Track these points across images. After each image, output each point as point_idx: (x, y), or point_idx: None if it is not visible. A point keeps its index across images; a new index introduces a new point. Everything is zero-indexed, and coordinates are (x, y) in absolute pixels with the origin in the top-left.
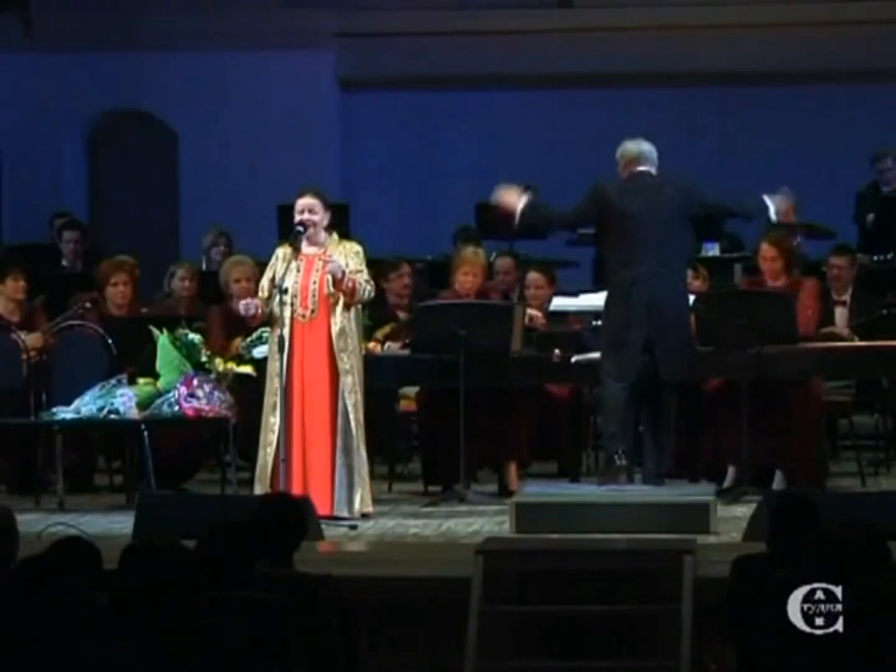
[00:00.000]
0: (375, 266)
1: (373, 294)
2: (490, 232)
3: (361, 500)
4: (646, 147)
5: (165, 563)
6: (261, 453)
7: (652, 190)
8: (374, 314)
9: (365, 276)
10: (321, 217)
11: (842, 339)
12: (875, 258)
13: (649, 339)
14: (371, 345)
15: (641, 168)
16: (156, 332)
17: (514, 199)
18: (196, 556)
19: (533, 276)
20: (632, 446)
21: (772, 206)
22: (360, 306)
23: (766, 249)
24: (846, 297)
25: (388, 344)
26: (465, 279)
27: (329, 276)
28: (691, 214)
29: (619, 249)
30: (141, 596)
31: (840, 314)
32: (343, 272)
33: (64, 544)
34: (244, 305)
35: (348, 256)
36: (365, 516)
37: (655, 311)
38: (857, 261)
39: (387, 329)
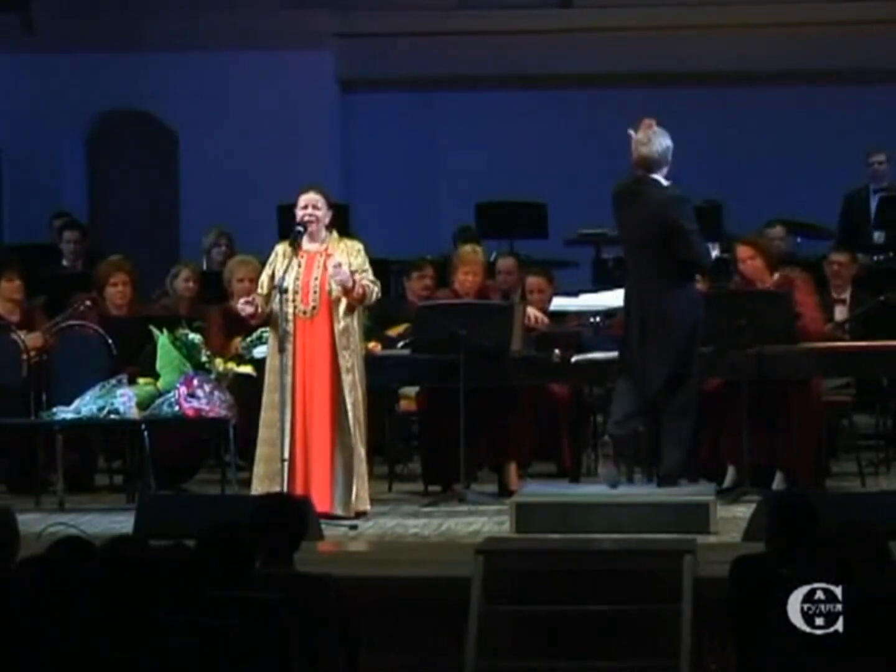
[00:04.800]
0: (392, 265)
1: (380, 294)
2: (490, 231)
3: (358, 498)
4: (655, 149)
5: (166, 563)
6: (260, 450)
7: (640, 198)
8: (391, 312)
9: (370, 275)
10: (324, 213)
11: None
12: (875, 258)
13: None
14: (371, 344)
15: (645, 174)
16: (156, 332)
17: None
18: (196, 556)
19: (533, 280)
20: (633, 447)
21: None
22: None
23: (743, 250)
24: (846, 296)
25: (400, 343)
26: (466, 279)
27: (336, 284)
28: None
29: (624, 259)
30: (140, 596)
31: (839, 312)
32: (353, 282)
33: (63, 544)
34: (243, 304)
35: (350, 255)
36: (361, 514)
37: (645, 327)
38: (857, 260)
39: (400, 328)
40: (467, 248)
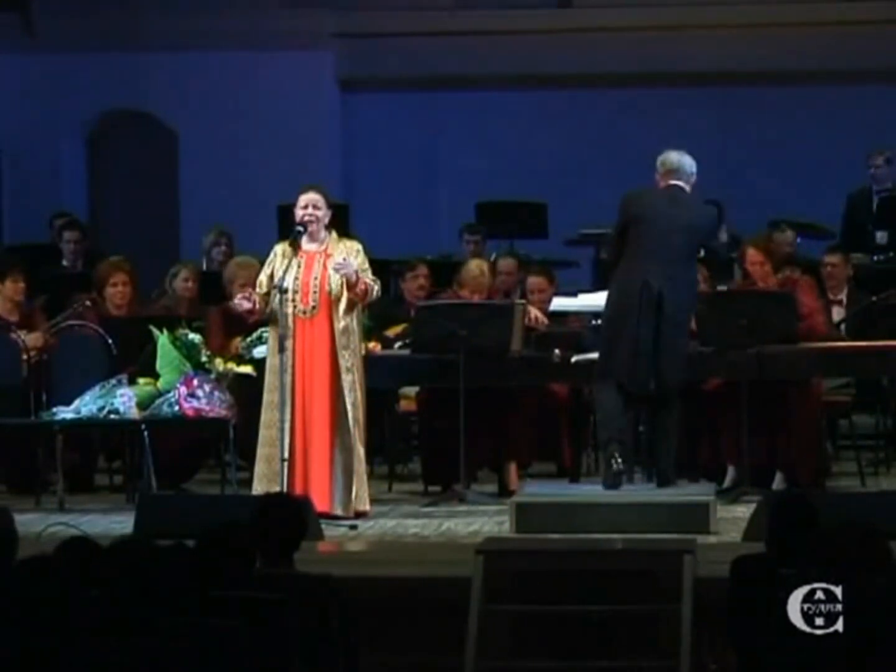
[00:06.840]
0: (392, 265)
1: (380, 293)
2: (490, 231)
3: (358, 498)
4: (686, 162)
5: (166, 563)
6: (260, 450)
7: (683, 205)
8: (389, 312)
9: (370, 274)
10: (324, 213)
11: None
12: (875, 258)
13: (654, 341)
14: (371, 344)
15: (676, 182)
16: (156, 332)
17: None
18: (196, 556)
19: (534, 280)
20: (632, 446)
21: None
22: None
23: (753, 254)
24: (842, 297)
25: (398, 343)
26: (471, 297)
27: (336, 276)
28: (700, 243)
29: (637, 249)
30: (140, 595)
31: (836, 313)
32: (357, 276)
33: (70, 545)
34: (240, 299)
35: (350, 255)
36: (361, 514)
37: (662, 313)
38: (852, 260)
39: (398, 328)
40: (474, 267)
